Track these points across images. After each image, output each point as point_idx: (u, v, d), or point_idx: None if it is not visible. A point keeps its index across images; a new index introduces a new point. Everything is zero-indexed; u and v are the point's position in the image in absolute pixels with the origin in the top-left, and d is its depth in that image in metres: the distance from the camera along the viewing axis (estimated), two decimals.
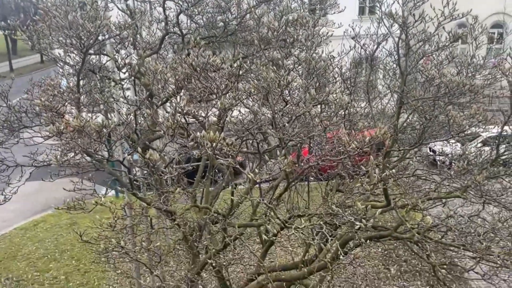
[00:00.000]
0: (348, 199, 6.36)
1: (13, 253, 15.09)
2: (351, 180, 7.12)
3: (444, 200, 6.44)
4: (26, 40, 5.38)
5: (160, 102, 7.14)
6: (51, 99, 4.69)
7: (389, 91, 7.97)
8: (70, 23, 4.91)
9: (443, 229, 6.19)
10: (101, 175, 6.55)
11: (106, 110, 7.23)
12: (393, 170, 6.25)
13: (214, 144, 3.81)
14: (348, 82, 7.07)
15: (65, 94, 5.14)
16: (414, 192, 6.77)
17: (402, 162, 7.01)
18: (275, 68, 4.57)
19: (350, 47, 7.48)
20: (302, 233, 4.86)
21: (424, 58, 5.89)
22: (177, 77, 5.52)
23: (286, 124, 4.87)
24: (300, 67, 4.97)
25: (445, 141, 6.98)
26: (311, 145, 6.35)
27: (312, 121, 4.26)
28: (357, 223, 3.89)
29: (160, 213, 6.70)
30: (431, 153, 12.53)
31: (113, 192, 17.79)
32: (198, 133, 3.91)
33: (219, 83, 5.13)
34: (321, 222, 4.40)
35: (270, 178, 7.44)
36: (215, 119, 5.92)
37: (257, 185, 6.11)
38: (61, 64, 5.71)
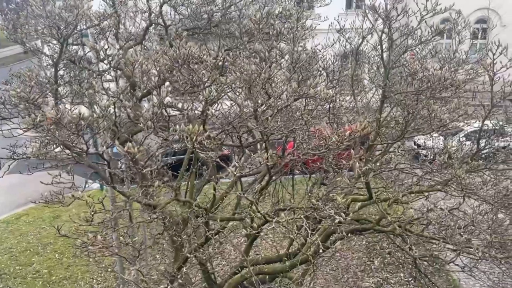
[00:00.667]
0: (332, 192, 6.38)
1: None
2: (335, 174, 7.14)
3: (426, 194, 6.49)
4: (4, 28, 5.22)
5: (141, 94, 7.04)
6: (28, 90, 4.57)
7: (373, 84, 7.99)
8: (47, 13, 4.78)
9: (424, 222, 6.26)
10: (84, 168, 6.45)
11: (90, 102, 7.10)
12: (376, 164, 6.29)
13: (195, 137, 3.75)
14: (332, 75, 7.05)
15: (43, 85, 5.01)
16: (397, 185, 6.81)
17: (385, 156, 7.05)
18: (258, 61, 4.51)
19: (334, 40, 7.45)
20: (284, 226, 4.85)
21: (407, 52, 5.90)
22: (158, 68, 5.43)
23: (269, 118, 4.84)
24: (283, 60, 4.92)
25: (427, 135, 7.04)
26: (295, 139, 6.33)
27: (294, 115, 4.23)
28: (337, 217, 3.89)
29: (143, 207, 6.64)
30: (415, 146, 12.64)
31: (98, 185, 17.60)
32: (178, 127, 3.85)
33: (201, 75, 5.06)
34: (303, 216, 4.39)
35: (254, 172, 7.42)
36: (199, 111, 5.85)
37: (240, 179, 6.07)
38: (39, 54, 5.57)
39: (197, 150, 3.83)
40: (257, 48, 4.90)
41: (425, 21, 5.24)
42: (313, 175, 8.90)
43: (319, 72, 6.41)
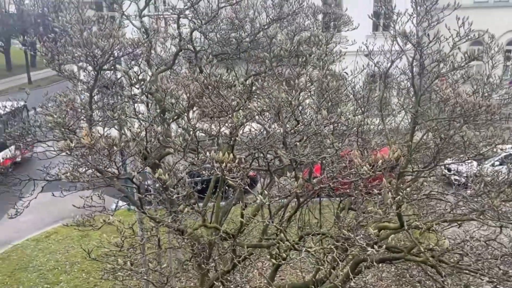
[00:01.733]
0: (361, 218, 6.24)
1: (25, 264, 15.16)
2: (364, 200, 6.99)
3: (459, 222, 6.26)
4: (42, 55, 5.46)
5: (171, 119, 7.16)
6: (64, 115, 4.72)
7: (402, 109, 7.87)
8: (84, 41, 4.97)
9: (459, 252, 6.02)
10: (114, 189, 6.57)
11: (120, 125, 7.28)
12: (407, 189, 6.13)
13: (223, 165, 3.76)
14: (361, 100, 6.99)
15: (78, 110, 5.17)
16: (428, 213, 6.60)
17: (416, 182, 6.86)
18: (286, 87, 4.53)
19: (363, 65, 7.41)
20: (313, 254, 4.76)
21: (439, 78, 5.80)
22: (188, 94, 5.53)
23: (298, 144, 4.81)
24: (312, 86, 4.93)
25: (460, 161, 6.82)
26: (324, 164, 6.26)
27: (323, 141, 4.20)
28: (369, 248, 3.78)
29: (170, 231, 6.66)
30: (447, 171, 12.30)
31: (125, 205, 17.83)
32: (208, 153, 3.87)
33: (230, 100, 5.12)
34: (332, 246, 4.29)
35: (282, 196, 7.36)
36: (227, 132, 5.89)
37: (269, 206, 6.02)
38: (75, 81, 5.77)
39: (227, 178, 3.84)
40: (287, 76, 4.93)
41: (459, 47, 5.17)
42: (340, 198, 8.76)
43: (348, 98, 6.37)
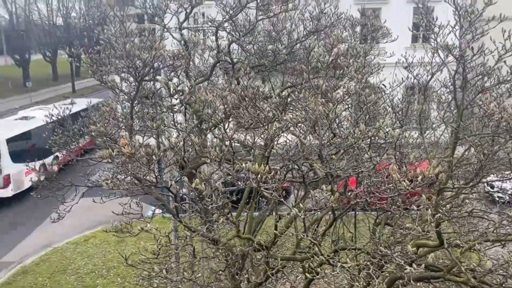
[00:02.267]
0: (398, 235, 6.07)
1: (64, 267, 15.69)
2: (401, 215, 6.81)
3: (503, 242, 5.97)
4: (86, 65, 5.71)
5: (208, 129, 7.28)
6: (106, 124, 4.90)
7: (443, 122, 7.64)
8: (127, 53, 5.16)
9: (502, 273, 5.73)
10: (150, 196, 6.75)
11: (157, 134, 7.48)
12: (447, 206, 5.93)
13: (259, 176, 3.78)
14: (400, 113, 6.85)
15: (119, 119, 5.35)
16: (470, 231, 6.34)
17: (457, 198, 6.62)
18: (323, 100, 4.51)
19: (402, 78, 7.28)
20: (348, 270, 4.67)
21: (482, 92, 5.60)
22: (225, 105, 5.61)
23: (334, 157, 4.77)
24: (349, 99, 4.88)
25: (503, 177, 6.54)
26: (360, 178, 6.17)
27: (360, 154, 4.14)
28: (407, 267, 3.67)
29: (204, 240, 6.72)
30: (490, 188, 11.80)
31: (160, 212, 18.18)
32: (244, 165, 3.90)
33: (266, 112, 5.15)
34: (368, 262, 4.20)
35: (316, 209, 7.29)
36: (262, 143, 5.92)
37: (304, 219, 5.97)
38: (117, 91, 5.99)
39: (262, 189, 3.85)
40: (324, 89, 4.91)
41: (504, 61, 4.98)
42: (377, 213, 8.57)
43: (386, 111, 6.26)
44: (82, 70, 65.29)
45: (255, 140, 4.88)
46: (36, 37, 57.41)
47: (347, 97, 4.83)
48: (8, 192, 20.32)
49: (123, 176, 5.50)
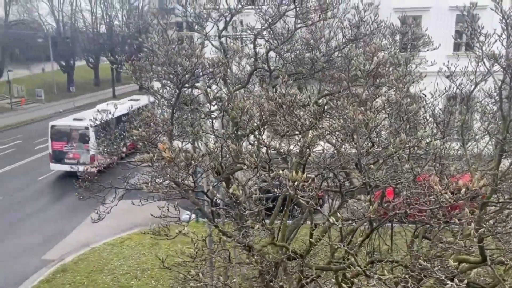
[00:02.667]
0: (438, 249, 5.88)
1: (101, 267, 16.16)
2: (441, 229, 6.59)
3: None
4: (128, 72, 5.91)
5: (245, 136, 7.34)
6: (147, 129, 5.05)
7: (487, 134, 7.37)
8: (169, 60, 5.31)
9: None
10: (185, 200, 6.88)
11: (194, 140, 7.62)
12: (491, 221, 5.69)
13: (296, 183, 3.78)
14: (441, 124, 6.66)
15: (159, 125, 5.50)
16: None
17: (501, 213, 6.34)
18: (363, 109, 4.47)
19: (445, 88, 7.08)
20: (384, 282, 4.56)
21: None
22: (262, 112, 5.65)
23: (372, 166, 4.70)
24: (389, 108, 4.80)
25: None
26: (398, 188, 6.03)
27: (400, 165, 4.06)
28: (448, 282, 3.55)
29: (239, 246, 6.76)
30: None
31: (194, 216, 18.43)
32: (281, 172, 3.91)
33: (303, 120, 5.15)
34: (406, 276, 4.09)
35: (354, 219, 7.17)
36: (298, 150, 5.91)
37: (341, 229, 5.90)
38: (158, 97, 6.16)
39: (299, 197, 3.84)
40: (363, 98, 4.86)
41: None
42: (414, 225, 8.34)
43: (427, 121, 6.11)
44: (123, 76, 67.64)
45: (291, 148, 4.87)
46: (81, 44, 60.00)
47: (387, 106, 4.75)
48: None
49: (161, 180, 5.63)
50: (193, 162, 4.35)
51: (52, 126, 26.09)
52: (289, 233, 8.49)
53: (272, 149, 4.94)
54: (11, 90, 48.05)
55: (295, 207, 9.32)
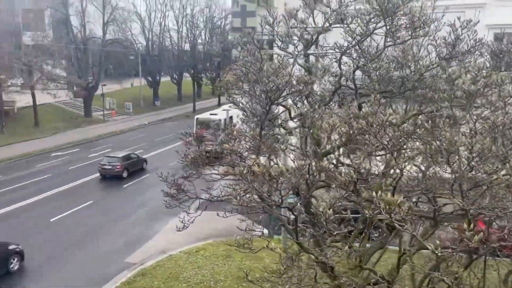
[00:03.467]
0: None
1: (177, 274, 16.73)
2: None
3: None
4: (219, 87, 6.16)
5: (326, 152, 7.27)
6: (237, 144, 5.21)
7: None
8: (260, 78, 5.45)
9: None
10: (257, 214, 6.92)
11: (276, 155, 7.71)
12: None
13: (391, 207, 3.64)
14: None
15: (247, 140, 5.64)
16: None
17: None
18: (464, 131, 4.21)
19: None
20: None
21: None
22: (350, 131, 5.56)
23: (471, 193, 4.39)
24: (494, 131, 4.47)
25: None
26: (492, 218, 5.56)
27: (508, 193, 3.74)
28: None
29: (317, 264, 6.65)
30: None
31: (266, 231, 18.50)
32: (374, 193, 3.80)
33: (395, 140, 4.98)
34: None
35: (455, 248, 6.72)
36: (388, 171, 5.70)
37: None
38: (248, 113, 6.35)
39: (394, 221, 3.69)
40: (461, 118, 4.59)
41: None
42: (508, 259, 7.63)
43: None
44: (203, 91, 70.87)
45: (383, 169, 4.72)
46: (167, 61, 64.01)
47: (489, 129, 4.43)
48: None
49: (247, 194, 5.74)
50: (281, 178, 4.39)
51: (197, 119, 35.66)
52: (368, 256, 8.19)
53: (363, 169, 4.82)
54: (104, 103, 52.44)
55: (375, 230, 8.97)
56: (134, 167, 30.02)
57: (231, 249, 18.43)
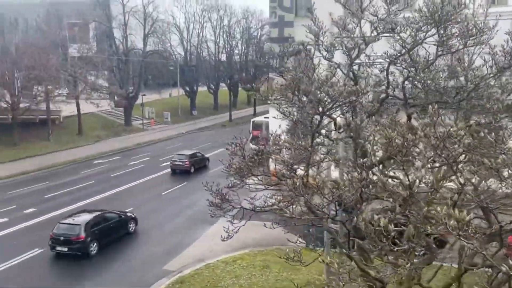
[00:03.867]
0: None
1: (214, 283, 16.73)
2: None
3: None
4: (273, 98, 6.13)
5: (372, 165, 7.07)
6: (288, 154, 5.14)
7: None
8: (311, 88, 5.38)
9: None
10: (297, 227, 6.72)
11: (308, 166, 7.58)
12: None
13: (458, 223, 3.45)
14: None
15: (297, 151, 5.57)
16: None
17: None
18: None
19: None
20: None
21: None
22: (406, 143, 5.38)
23: None
24: None
25: None
26: None
27: None
28: None
29: (363, 279, 6.43)
30: None
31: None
32: (440, 209, 3.62)
33: (456, 154, 4.76)
34: None
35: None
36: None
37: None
38: (298, 123, 6.28)
39: (461, 239, 3.50)
40: None
41: None
42: None
43: None
44: (242, 101, 71.54)
45: (444, 182, 4.51)
46: (204, 71, 65.14)
47: None
48: None
49: (295, 205, 5.65)
50: (337, 190, 4.27)
51: (253, 121, 39.77)
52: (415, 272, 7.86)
53: (424, 183, 4.63)
54: (143, 112, 53.86)
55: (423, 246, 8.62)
56: (199, 164, 33.02)
57: (268, 259, 18.34)
